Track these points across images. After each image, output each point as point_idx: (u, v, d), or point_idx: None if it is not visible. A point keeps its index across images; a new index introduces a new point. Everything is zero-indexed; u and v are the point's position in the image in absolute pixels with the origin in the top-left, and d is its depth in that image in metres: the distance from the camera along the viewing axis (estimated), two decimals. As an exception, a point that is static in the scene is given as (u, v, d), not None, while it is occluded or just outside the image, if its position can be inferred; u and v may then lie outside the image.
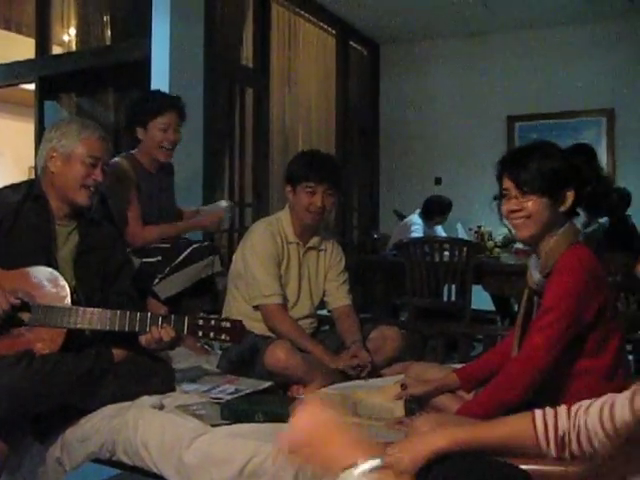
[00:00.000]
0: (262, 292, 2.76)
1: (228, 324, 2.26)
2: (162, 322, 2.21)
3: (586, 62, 6.68)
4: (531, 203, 1.88)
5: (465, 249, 4.42)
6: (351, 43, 7.26)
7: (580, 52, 6.73)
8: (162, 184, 3.28)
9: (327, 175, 2.78)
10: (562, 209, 1.90)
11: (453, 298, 4.56)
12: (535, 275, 1.96)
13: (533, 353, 1.83)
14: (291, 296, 2.87)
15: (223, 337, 2.25)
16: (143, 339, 2.23)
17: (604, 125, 6.74)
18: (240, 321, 2.31)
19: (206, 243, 3.22)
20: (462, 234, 5.81)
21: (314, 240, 2.93)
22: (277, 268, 2.81)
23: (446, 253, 4.54)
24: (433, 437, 1.42)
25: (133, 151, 3.20)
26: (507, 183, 1.92)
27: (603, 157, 6.65)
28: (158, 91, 3.46)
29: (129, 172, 3.06)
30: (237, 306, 2.85)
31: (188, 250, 3.08)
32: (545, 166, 1.87)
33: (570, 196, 1.89)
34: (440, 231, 6.06)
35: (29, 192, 2.37)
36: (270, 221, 2.93)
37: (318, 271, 2.96)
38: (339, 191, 2.89)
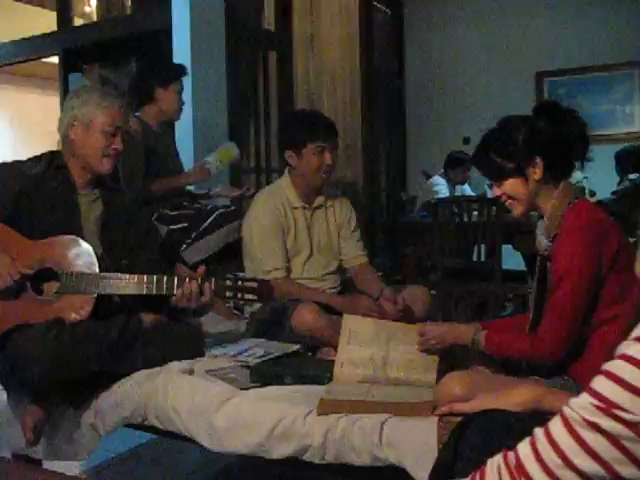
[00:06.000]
0: (262, 268, 2.75)
1: (255, 284, 2.25)
2: (189, 281, 2.22)
3: (616, 14, 6.47)
4: (504, 187, 1.93)
5: (494, 208, 4.37)
6: (374, 3, 7.12)
7: (609, 4, 6.52)
8: (167, 142, 3.44)
9: (331, 130, 2.81)
10: (536, 178, 1.89)
11: (483, 258, 4.52)
12: (543, 240, 1.93)
13: (551, 331, 1.83)
14: (305, 261, 2.87)
15: (250, 297, 2.24)
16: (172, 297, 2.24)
17: (637, 78, 6.55)
18: (268, 281, 2.32)
19: (231, 208, 3.23)
20: (491, 194, 5.74)
21: (319, 199, 2.91)
22: (279, 240, 2.78)
23: (475, 213, 4.50)
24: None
25: (138, 113, 3.30)
26: None
27: (636, 111, 6.50)
28: (165, 59, 3.75)
29: (137, 133, 3.11)
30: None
31: (214, 215, 3.09)
32: (498, 154, 1.90)
33: (539, 165, 1.88)
34: (468, 191, 6.00)
35: (50, 163, 2.38)
36: (270, 190, 2.92)
37: (329, 229, 2.95)
38: None
